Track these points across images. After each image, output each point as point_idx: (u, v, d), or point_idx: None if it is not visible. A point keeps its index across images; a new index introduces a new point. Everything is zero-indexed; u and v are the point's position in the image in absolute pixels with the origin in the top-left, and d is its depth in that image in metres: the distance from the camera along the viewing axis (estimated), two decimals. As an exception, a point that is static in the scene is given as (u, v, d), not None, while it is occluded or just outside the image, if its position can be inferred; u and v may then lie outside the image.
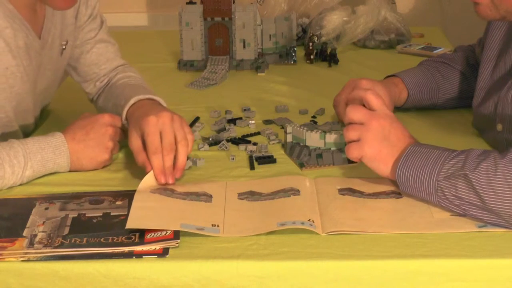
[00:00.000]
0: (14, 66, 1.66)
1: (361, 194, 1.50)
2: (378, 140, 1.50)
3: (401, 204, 1.46)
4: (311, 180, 1.56)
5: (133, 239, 1.34)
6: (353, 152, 1.52)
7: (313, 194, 1.50)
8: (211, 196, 1.50)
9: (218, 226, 1.39)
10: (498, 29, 1.78)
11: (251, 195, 1.50)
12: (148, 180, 1.53)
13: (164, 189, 1.50)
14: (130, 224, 1.37)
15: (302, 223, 1.37)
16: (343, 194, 1.50)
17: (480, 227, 1.38)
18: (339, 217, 1.41)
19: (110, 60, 1.93)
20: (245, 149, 1.73)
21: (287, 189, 1.51)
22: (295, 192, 1.50)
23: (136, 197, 1.47)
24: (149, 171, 1.54)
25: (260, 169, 1.64)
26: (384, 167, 1.50)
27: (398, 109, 1.93)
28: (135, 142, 1.59)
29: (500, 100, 1.68)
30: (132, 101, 1.70)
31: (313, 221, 1.39)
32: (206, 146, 1.75)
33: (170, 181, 1.53)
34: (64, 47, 1.82)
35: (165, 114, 1.57)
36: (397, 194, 1.50)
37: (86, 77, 1.93)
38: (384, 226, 1.39)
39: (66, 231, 1.38)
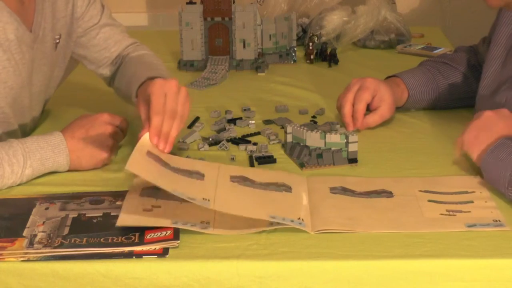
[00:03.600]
0: (5, 60, 1.65)
1: (352, 193, 1.51)
2: (479, 127, 1.55)
3: (392, 203, 1.47)
4: (304, 178, 1.56)
5: (133, 239, 1.34)
6: (457, 142, 1.58)
7: (305, 193, 1.50)
8: (203, 175, 1.50)
9: (208, 200, 1.39)
10: (506, 26, 1.77)
11: (243, 180, 1.51)
12: (143, 144, 1.52)
13: (158, 159, 1.50)
14: (122, 221, 1.37)
15: (292, 221, 1.38)
16: (334, 193, 1.50)
17: (469, 226, 1.38)
18: (329, 215, 1.42)
19: (119, 41, 1.95)
20: (245, 149, 1.73)
21: (280, 183, 1.52)
22: (287, 188, 1.50)
23: (128, 196, 1.47)
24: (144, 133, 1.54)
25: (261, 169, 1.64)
26: (475, 152, 1.53)
27: (398, 109, 1.93)
28: (142, 109, 1.61)
29: (507, 101, 1.67)
30: (142, 79, 1.74)
31: (302, 219, 1.39)
32: (206, 146, 1.75)
33: (161, 147, 1.54)
34: (57, 41, 1.81)
35: (173, 81, 1.59)
36: (388, 193, 1.50)
37: (99, 63, 1.95)
38: (374, 225, 1.39)
39: (66, 231, 1.38)
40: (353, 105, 1.82)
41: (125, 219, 1.38)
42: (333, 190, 1.51)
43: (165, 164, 1.49)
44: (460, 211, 1.43)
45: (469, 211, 1.43)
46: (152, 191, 1.49)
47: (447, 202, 1.47)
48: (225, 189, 1.46)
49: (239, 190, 1.47)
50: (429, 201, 1.47)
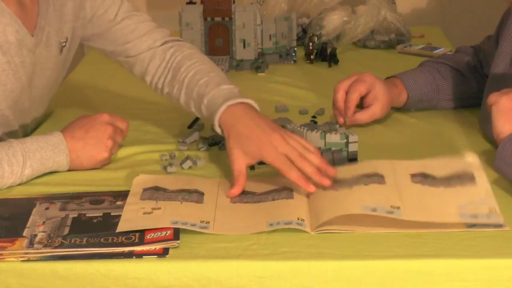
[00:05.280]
0: (5, 63, 1.64)
1: (343, 182, 1.49)
2: None
3: (386, 188, 1.46)
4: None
5: (133, 239, 1.34)
6: (492, 96, 1.53)
7: (305, 193, 1.50)
8: (202, 194, 1.50)
9: (208, 222, 1.39)
10: None
11: (244, 195, 1.50)
12: (134, 190, 1.52)
13: (155, 189, 1.51)
14: (122, 226, 1.37)
15: (291, 223, 1.38)
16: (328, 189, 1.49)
17: (469, 226, 1.38)
18: (328, 216, 1.41)
19: (146, 34, 1.86)
20: (245, 149, 1.73)
21: (280, 188, 1.51)
22: (289, 192, 1.50)
23: (129, 200, 1.47)
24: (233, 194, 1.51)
25: (261, 169, 1.64)
26: (501, 125, 1.51)
27: (398, 110, 1.93)
28: (240, 164, 1.53)
29: None
30: (223, 108, 1.62)
31: (302, 220, 1.39)
32: (206, 146, 1.75)
33: (325, 183, 1.48)
34: (64, 44, 1.80)
35: (277, 137, 1.53)
36: (380, 177, 1.49)
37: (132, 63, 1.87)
38: (373, 225, 1.39)
39: (66, 231, 1.38)
40: (347, 94, 1.82)
41: (125, 225, 1.38)
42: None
43: (162, 194, 1.49)
44: (456, 198, 1.43)
45: (465, 199, 1.43)
46: (153, 192, 1.49)
47: (440, 184, 1.46)
48: (224, 211, 1.45)
49: (239, 209, 1.46)
50: (423, 185, 1.46)
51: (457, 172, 1.49)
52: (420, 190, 1.46)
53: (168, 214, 1.41)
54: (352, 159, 1.65)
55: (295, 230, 1.37)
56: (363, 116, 1.83)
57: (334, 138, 1.66)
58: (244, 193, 1.51)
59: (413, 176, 1.50)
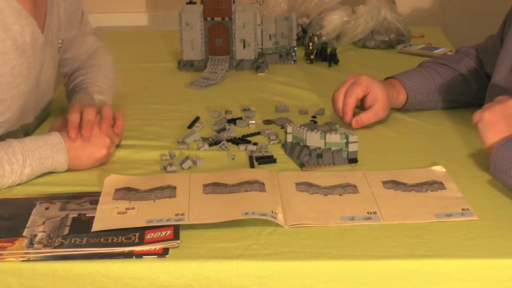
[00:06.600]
0: (21, 64, 1.66)
1: (317, 187, 1.52)
2: (502, 113, 1.55)
3: (360, 196, 1.48)
4: (273, 174, 1.58)
5: (133, 239, 1.35)
6: (475, 115, 1.58)
7: (276, 188, 1.51)
8: (175, 188, 1.51)
9: (183, 214, 1.40)
10: None
11: (216, 186, 1.52)
12: (106, 190, 1.53)
13: (128, 190, 1.52)
14: (96, 226, 1.38)
15: (265, 214, 1.39)
16: (300, 191, 1.51)
17: (438, 216, 1.40)
18: (301, 210, 1.43)
19: (87, 48, 2.01)
20: (245, 149, 1.73)
21: (252, 181, 1.53)
22: (260, 185, 1.51)
23: (101, 200, 1.48)
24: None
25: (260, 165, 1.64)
26: (490, 137, 1.54)
27: (398, 110, 1.93)
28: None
29: None
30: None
31: (276, 213, 1.40)
32: (206, 146, 1.75)
33: (86, 133, 1.61)
34: (60, 45, 1.82)
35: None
36: (353, 186, 1.52)
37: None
38: (346, 219, 1.41)
39: (66, 231, 1.38)
40: (344, 99, 1.82)
41: (99, 224, 1.39)
42: (299, 186, 1.52)
43: (134, 194, 1.50)
44: (429, 201, 1.46)
45: (437, 201, 1.45)
46: (125, 192, 1.51)
47: (411, 189, 1.50)
48: (198, 201, 1.47)
49: (212, 200, 1.47)
50: (395, 190, 1.50)
51: (427, 181, 1.54)
52: (393, 195, 1.49)
53: (142, 213, 1.42)
54: (352, 159, 1.65)
55: (295, 230, 1.37)
56: (368, 115, 1.83)
57: (334, 138, 1.66)
58: (216, 184, 1.53)
59: (385, 183, 1.54)
